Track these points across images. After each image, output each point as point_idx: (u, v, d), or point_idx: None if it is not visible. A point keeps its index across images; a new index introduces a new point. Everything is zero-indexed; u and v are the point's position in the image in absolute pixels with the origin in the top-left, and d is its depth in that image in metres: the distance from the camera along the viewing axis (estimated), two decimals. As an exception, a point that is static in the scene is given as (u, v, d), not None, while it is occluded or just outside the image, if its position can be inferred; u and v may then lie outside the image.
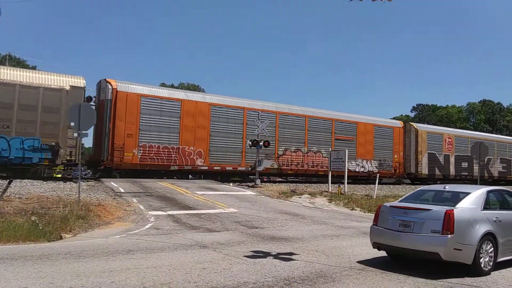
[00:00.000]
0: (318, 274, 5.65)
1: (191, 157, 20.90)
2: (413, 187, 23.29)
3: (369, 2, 5.53)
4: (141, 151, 19.50)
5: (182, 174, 22.07)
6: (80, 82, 18.46)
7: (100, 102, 19.49)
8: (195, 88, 62.16)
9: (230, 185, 20.51)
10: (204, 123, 21.36)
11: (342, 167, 20.73)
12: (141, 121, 19.55)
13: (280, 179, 28.29)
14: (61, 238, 8.39)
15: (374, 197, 18.70)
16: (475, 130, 52.13)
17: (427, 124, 42.13)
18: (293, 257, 6.65)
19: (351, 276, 5.60)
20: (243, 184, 21.76)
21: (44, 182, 16.21)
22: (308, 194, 18.70)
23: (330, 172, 21.47)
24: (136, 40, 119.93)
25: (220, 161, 21.86)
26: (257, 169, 21.47)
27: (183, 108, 20.80)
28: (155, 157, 19.86)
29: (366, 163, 27.08)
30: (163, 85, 54.91)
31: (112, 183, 16.97)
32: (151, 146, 19.77)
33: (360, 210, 15.18)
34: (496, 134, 50.15)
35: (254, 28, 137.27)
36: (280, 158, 23.73)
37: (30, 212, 9.80)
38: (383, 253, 6.85)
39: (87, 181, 17.77)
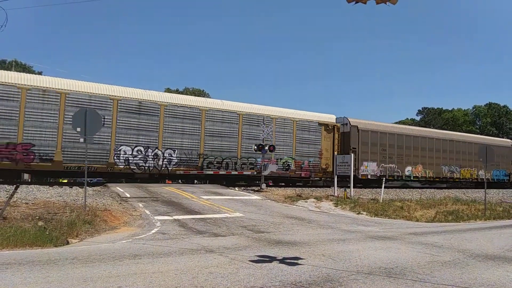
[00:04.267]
0: (325, 278, 5.62)
1: None
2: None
3: (374, 6, 5.53)
4: None
5: None
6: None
7: None
8: (200, 93, 61.59)
9: (236, 190, 20.51)
10: None
11: (347, 171, 20.67)
12: None
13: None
14: (67, 243, 8.40)
15: (381, 201, 18.62)
16: (482, 134, 51.74)
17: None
18: (299, 261, 6.62)
19: (359, 280, 5.57)
20: (248, 188, 21.76)
21: (50, 188, 16.32)
22: (314, 198, 18.65)
23: (336, 176, 21.45)
24: (140, 45, 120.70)
25: None
26: (263, 174, 21.51)
27: None
28: None
29: None
30: (168, 90, 54.88)
31: (118, 188, 17.03)
32: None
33: (366, 214, 15.11)
34: (502, 137, 49.78)
35: (257, 33, 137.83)
36: None
37: (37, 217, 9.85)
38: (390, 257, 6.78)
39: (93, 187, 17.92)
